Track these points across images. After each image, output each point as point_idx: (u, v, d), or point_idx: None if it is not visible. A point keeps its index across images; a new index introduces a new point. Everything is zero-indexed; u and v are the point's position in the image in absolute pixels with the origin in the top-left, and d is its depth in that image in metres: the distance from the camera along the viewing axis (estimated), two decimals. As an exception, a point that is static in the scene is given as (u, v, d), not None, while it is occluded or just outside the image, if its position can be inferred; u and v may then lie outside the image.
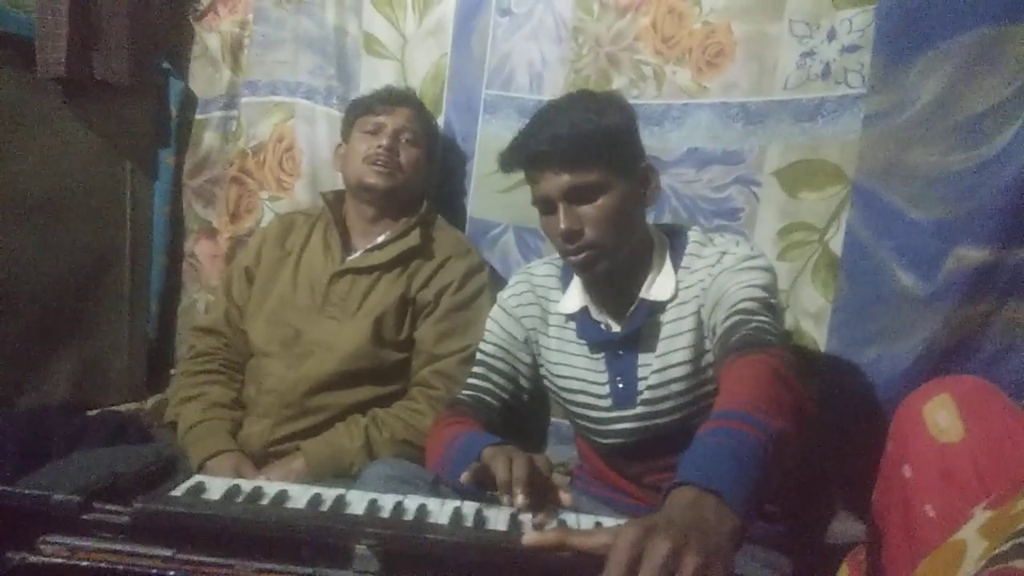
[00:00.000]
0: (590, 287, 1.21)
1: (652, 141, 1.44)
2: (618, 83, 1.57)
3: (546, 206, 1.13)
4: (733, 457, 0.73)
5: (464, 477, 0.96)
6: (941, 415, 0.93)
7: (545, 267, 1.32)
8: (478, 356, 1.31)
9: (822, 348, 1.36)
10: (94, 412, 1.57)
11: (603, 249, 1.11)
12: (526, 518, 0.88)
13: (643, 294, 1.16)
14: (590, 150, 1.08)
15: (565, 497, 0.93)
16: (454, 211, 1.72)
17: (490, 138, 1.68)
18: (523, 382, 1.30)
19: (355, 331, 1.42)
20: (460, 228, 1.68)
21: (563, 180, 1.09)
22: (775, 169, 1.42)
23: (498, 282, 1.60)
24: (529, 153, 1.12)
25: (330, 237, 1.54)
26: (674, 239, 1.20)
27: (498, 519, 0.89)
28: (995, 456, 0.87)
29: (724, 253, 1.13)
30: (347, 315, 1.45)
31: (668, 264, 1.17)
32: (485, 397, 1.26)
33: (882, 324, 1.31)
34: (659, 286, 1.16)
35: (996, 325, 1.23)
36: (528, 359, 1.29)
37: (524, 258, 1.65)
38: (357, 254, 1.52)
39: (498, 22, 1.68)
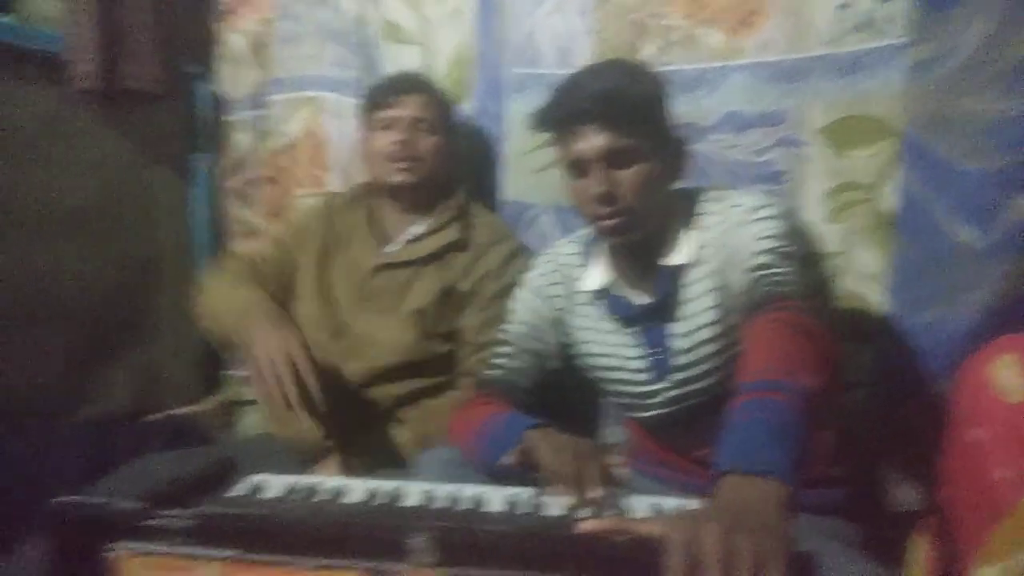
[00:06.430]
0: (615, 259, 1.19)
1: (687, 108, 1.40)
2: (647, 51, 1.52)
3: (579, 169, 1.10)
4: (765, 432, 0.76)
5: (508, 460, 0.97)
6: (1007, 375, 0.90)
7: (569, 246, 1.30)
8: (505, 337, 1.29)
9: (881, 311, 1.32)
10: (153, 417, 1.60)
11: (636, 216, 1.09)
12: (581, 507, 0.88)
13: (663, 261, 1.14)
14: (631, 112, 1.06)
15: (621, 473, 0.93)
16: (487, 195, 1.70)
17: (520, 117, 1.65)
18: (551, 364, 1.28)
19: (399, 326, 1.42)
20: (494, 212, 1.66)
21: (602, 140, 1.06)
22: (819, 127, 1.37)
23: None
24: (570, 110, 1.08)
25: (366, 230, 1.53)
26: (689, 202, 1.17)
27: (555, 504, 0.89)
28: (1069, 413, 0.84)
29: (733, 207, 1.12)
30: (390, 310, 1.44)
31: (685, 228, 1.15)
32: (514, 378, 1.25)
33: (942, 282, 1.26)
34: (678, 251, 1.14)
35: (1062, 276, 1.18)
36: (555, 340, 1.27)
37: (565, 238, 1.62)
38: (395, 246, 1.51)
39: (520, -2, 1.65)
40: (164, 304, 1.92)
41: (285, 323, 1.26)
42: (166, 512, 0.75)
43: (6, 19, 1.70)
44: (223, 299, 1.37)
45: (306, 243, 1.54)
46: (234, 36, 1.99)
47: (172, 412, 1.74)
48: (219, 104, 2.01)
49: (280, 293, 1.47)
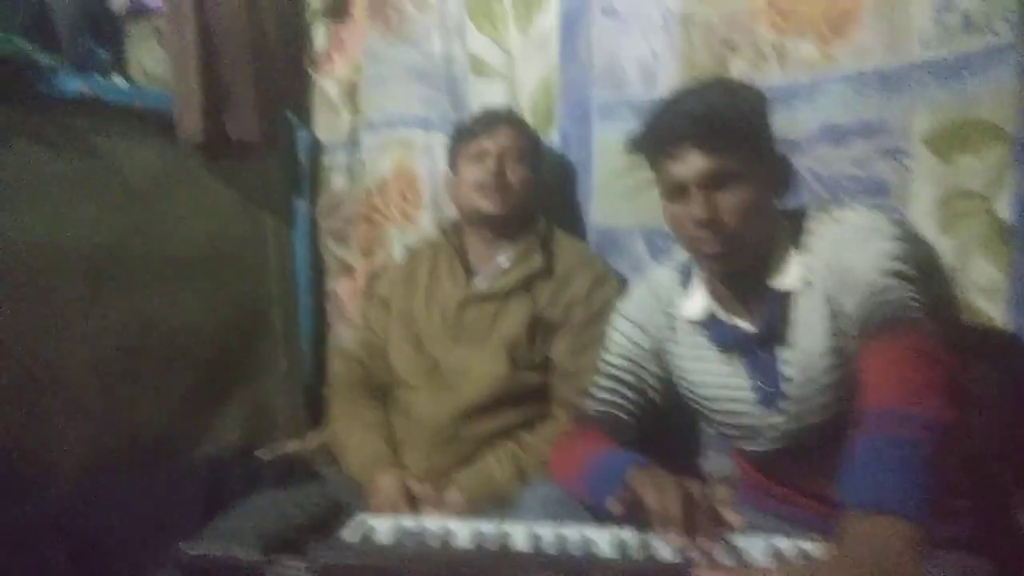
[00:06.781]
0: (717, 284, 1.15)
1: (782, 123, 1.35)
2: (737, 68, 1.49)
3: (677, 192, 1.06)
4: (895, 467, 0.73)
5: (613, 507, 0.94)
6: None
7: (666, 271, 1.26)
8: (604, 368, 1.24)
9: (1001, 326, 1.24)
10: (263, 454, 1.67)
11: (738, 240, 1.05)
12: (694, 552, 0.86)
13: (769, 285, 1.09)
14: (731, 133, 1.02)
15: (733, 517, 0.89)
16: (576, 222, 1.70)
17: (607, 143, 1.65)
18: (653, 395, 1.23)
19: (490, 359, 1.43)
20: (584, 240, 1.65)
21: (701, 163, 1.02)
22: (924, 135, 1.31)
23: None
24: (668, 132, 1.05)
25: (453, 266, 1.56)
26: (795, 221, 1.12)
27: (665, 548, 0.87)
28: None
29: (842, 224, 1.06)
30: (480, 343, 1.46)
31: (792, 249, 1.09)
32: (616, 412, 1.21)
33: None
34: (785, 274, 1.08)
35: None
36: (657, 371, 1.23)
37: (659, 264, 1.60)
38: (482, 279, 1.53)
39: (603, 24, 1.65)
40: (271, 345, 2.00)
41: (392, 474, 1.39)
42: (286, 562, 0.77)
43: (120, 82, 1.83)
44: (346, 441, 1.52)
45: (392, 311, 1.60)
46: (327, 81, 2.07)
47: (280, 449, 1.80)
48: (316, 148, 2.10)
49: (384, 371, 1.58)
